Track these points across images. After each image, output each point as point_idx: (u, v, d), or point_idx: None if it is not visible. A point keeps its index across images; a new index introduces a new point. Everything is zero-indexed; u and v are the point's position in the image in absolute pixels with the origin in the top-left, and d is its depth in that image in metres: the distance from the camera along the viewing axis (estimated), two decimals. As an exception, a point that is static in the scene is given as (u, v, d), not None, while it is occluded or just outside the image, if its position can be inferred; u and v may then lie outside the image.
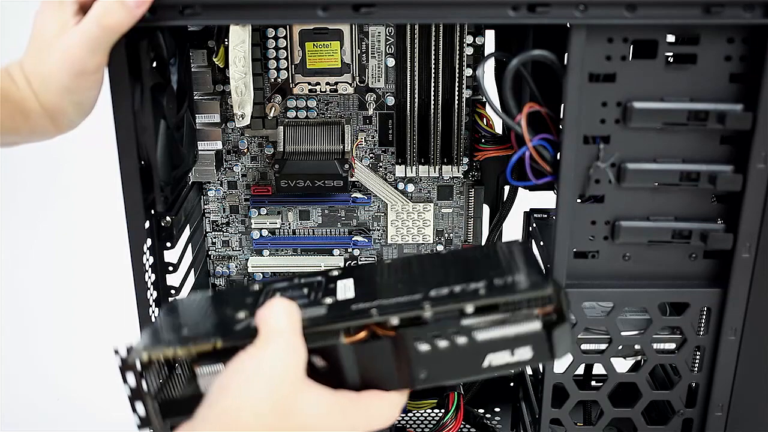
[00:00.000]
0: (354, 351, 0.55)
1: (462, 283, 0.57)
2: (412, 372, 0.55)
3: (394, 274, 0.63)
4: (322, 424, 0.51)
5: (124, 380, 0.56)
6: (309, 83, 0.86)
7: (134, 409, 0.56)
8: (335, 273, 0.65)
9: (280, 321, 0.53)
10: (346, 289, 0.61)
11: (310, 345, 0.54)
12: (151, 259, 0.69)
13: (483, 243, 0.92)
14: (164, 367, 0.60)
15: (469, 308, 0.55)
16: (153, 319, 0.70)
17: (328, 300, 0.59)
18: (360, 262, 0.94)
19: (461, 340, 0.54)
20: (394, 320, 0.55)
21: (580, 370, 0.74)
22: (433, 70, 0.83)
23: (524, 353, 0.55)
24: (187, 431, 0.49)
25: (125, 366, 0.56)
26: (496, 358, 0.55)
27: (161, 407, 0.56)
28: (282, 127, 0.87)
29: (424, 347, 0.55)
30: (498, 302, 0.55)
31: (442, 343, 0.54)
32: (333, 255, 0.94)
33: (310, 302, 0.60)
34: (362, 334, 0.56)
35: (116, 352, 0.56)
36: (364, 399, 0.54)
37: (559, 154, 0.63)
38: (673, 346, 0.70)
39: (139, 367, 0.56)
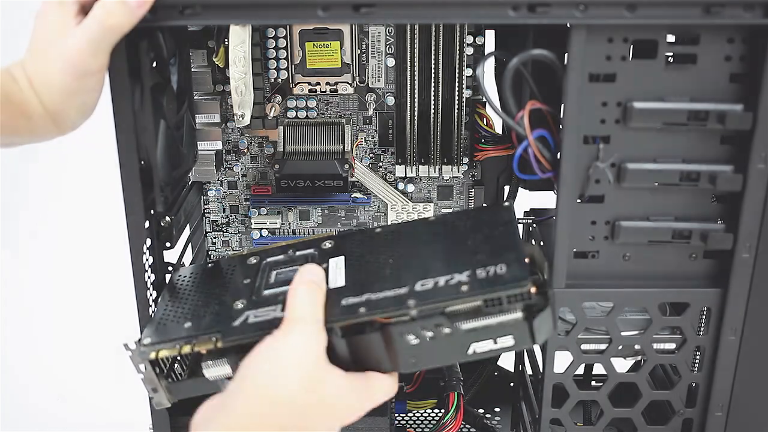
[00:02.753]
0: (347, 343, 0.59)
1: (446, 274, 0.59)
2: (401, 359, 0.59)
3: (383, 252, 0.65)
4: (342, 401, 0.58)
5: (137, 370, 0.63)
6: (309, 83, 0.86)
7: (149, 391, 0.64)
8: (327, 245, 0.68)
9: (304, 308, 0.58)
10: (337, 270, 0.64)
11: None
12: (151, 259, 0.69)
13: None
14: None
15: (453, 307, 0.58)
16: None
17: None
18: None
19: (446, 330, 0.58)
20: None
21: (580, 370, 0.74)
22: (433, 70, 0.83)
23: (506, 341, 0.58)
24: (223, 407, 0.55)
25: (136, 360, 0.62)
26: (479, 346, 0.59)
27: (170, 389, 0.64)
28: (282, 127, 0.87)
29: (411, 339, 0.58)
30: (480, 300, 0.58)
31: (428, 334, 0.58)
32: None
33: None
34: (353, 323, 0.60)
35: (126, 347, 0.62)
36: (370, 379, 0.60)
37: (559, 154, 0.63)
38: (673, 346, 0.70)
39: (150, 359, 0.62)
